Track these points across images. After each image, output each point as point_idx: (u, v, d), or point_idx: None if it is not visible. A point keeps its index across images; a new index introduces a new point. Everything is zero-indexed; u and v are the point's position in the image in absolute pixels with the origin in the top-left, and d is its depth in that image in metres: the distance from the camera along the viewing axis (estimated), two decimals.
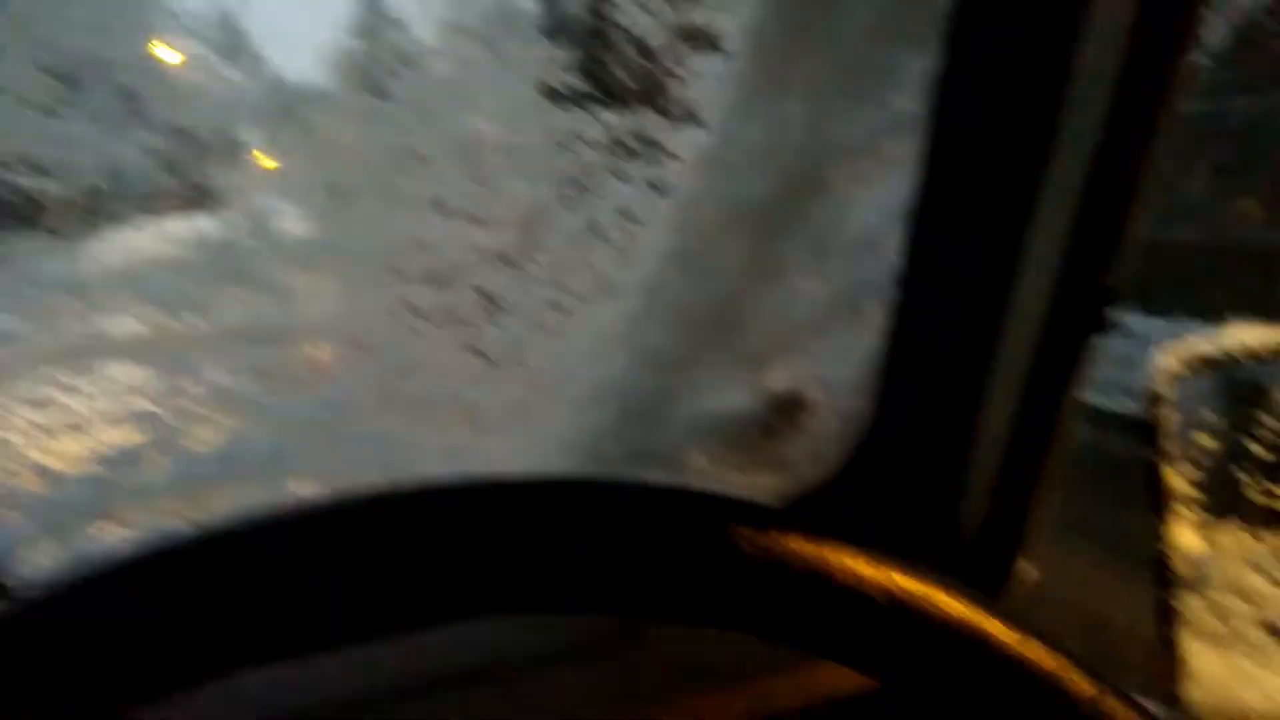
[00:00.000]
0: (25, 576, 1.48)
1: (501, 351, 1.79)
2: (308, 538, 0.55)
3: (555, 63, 1.88)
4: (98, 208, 1.77)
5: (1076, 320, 1.27)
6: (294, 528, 0.56)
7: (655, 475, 1.36)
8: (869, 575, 0.59)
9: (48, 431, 1.67)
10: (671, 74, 1.70)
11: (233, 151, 1.90)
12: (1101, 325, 1.23)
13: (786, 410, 1.36)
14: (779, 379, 1.37)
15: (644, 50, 1.90)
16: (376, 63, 1.88)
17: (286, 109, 1.84)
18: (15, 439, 1.64)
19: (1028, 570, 1.29)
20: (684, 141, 1.66)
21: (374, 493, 0.58)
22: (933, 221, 1.29)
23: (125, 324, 1.76)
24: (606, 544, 0.59)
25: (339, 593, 0.55)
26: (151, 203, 1.83)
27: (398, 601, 0.57)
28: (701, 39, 1.66)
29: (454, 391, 1.78)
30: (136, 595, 0.52)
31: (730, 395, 1.35)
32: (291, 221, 1.84)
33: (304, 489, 1.76)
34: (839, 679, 1.04)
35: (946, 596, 0.61)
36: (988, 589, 1.33)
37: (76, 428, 1.66)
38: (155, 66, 1.84)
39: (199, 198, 1.86)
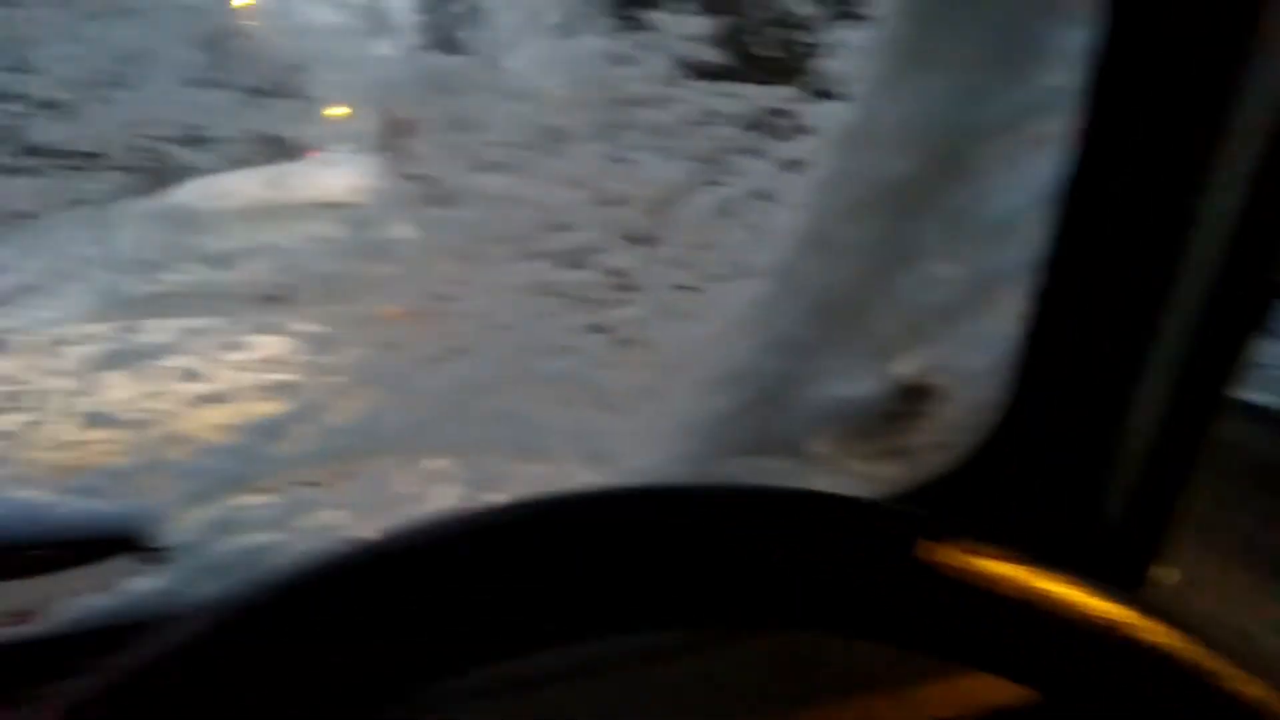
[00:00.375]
0: (172, 543, 1.59)
1: (630, 332, 1.84)
2: (517, 539, 0.59)
3: (696, 36, 1.90)
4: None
5: (1237, 315, 1.23)
6: (506, 529, 0.59)
7: (779, 461, 1.38)
8: (1029, 586, 0.59)
9: (193, 401, 1.79)
10: (816, 46, 1.70)
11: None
12: (1262, 321, 1.19)
13: (914, 398, 1.36)
14: (908, 366, 1.37)
15: (789, 21, 1.90)
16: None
17: (427, 83, 1.90)
18: (162, 407, 1.76)
19: (1168, 573, 1.27)
20: (824, 117, 1.67)
21: (570, 497, 0.61)
22: (1085, 205, 1.26)
23: (265, 296, 1.87)
24: (782, 556, 0.60)
25: (537, 596, 0.58)
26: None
27: (592, 608, 0.59)
28: (848, 9, 1.65)
29: (583, 371, 1.83)
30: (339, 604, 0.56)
31: (858, 382, 1.36)
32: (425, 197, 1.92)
33: (439, 464, 1.84)
34: (997, 689, 1.03)
35: (1110, 605, 0.60)
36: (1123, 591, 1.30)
37: (219, 398, 1.78)
38: (299, 38, 1.92)
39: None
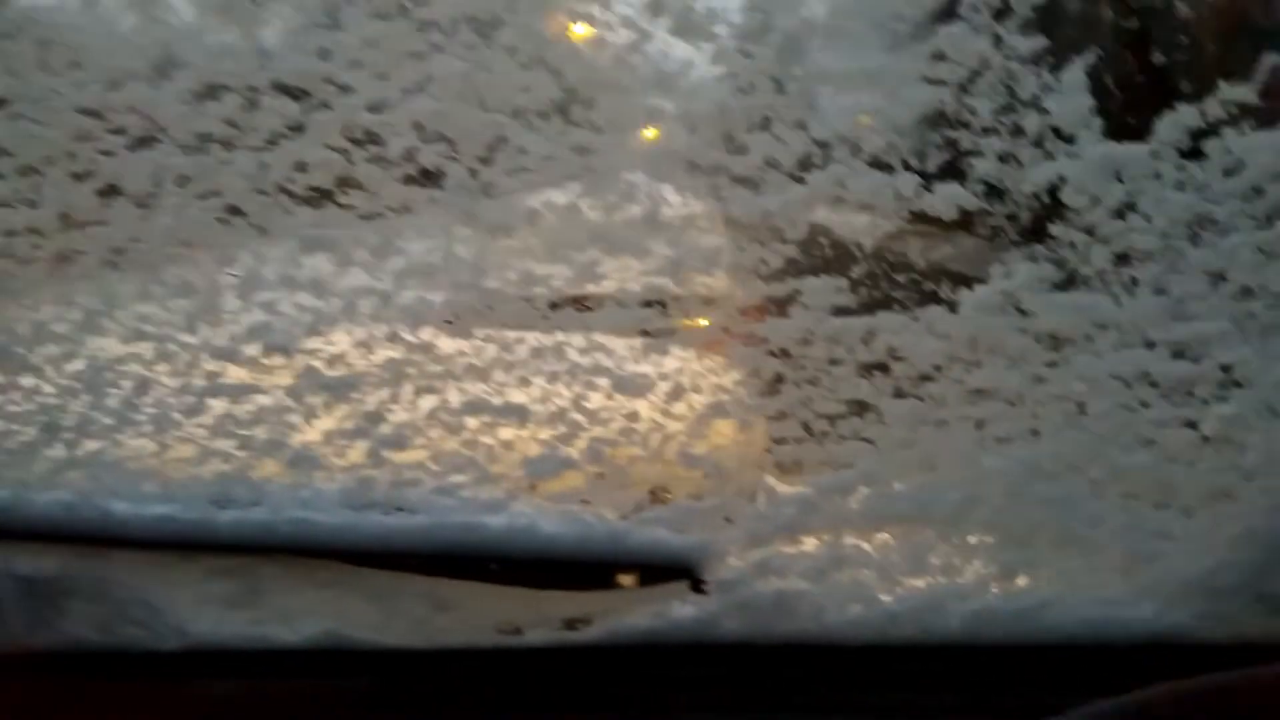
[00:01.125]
0: (717, 578, 1.79)
1: (1220, 430, 1.76)
2: None
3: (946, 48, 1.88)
4: (493, 179, 2.07)
5: None
6: None
7: None
8: None
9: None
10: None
11: (622, 125, 2.09)
12: None
13: None
14: None
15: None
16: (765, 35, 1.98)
17: (669, 86, 2.02)
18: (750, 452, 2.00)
19: None
20: None
21: None
22: None
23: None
24: None
25: None
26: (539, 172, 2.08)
27: None
28: None
29: (1157, 467, 1.79)
30: None
31: None
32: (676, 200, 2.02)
33: (977, 541, 1.88)
34: None
35: None
36: None
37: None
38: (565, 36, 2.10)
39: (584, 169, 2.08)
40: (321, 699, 1.79)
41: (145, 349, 2.06)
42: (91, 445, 1.96)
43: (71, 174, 2.00)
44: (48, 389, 2.02)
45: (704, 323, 2.05)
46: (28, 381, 2.01)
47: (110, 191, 2.04)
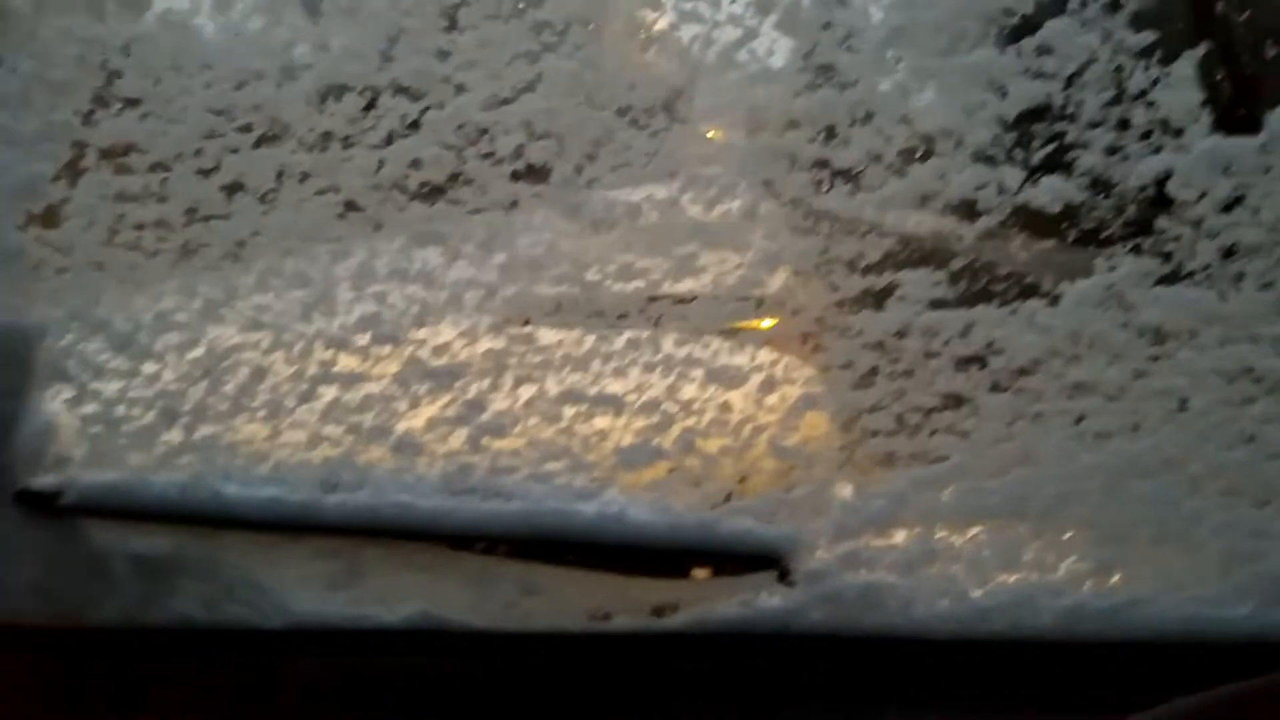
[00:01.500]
0: (804, 569, 1.84)
1: None
2: None
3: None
4: (596, 175, 2.12)
5: None
6: None
7: None
8: None
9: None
10: None
11: (724, 121, 2.12)
12: None
13: None
14: None
15: None
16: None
17: (771, 81, 2.05)
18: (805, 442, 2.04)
19: None
20: None
21: None
22: None
23: None
24: None
25: None
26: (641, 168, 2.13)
27: None
28: None
29: (1258, 463, 1.77)
30: None
31: None
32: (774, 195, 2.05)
33: (1072, 538, 1.89)
34: None
35: None
36: None
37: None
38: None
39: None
40: (415, 678, 1.89)
41: (262, 338, 2.18)
42: (207, 429, 2.08)
43: (198, 170, 2.14)
44: (168, 375, 2.14)
45: (798, 316, 2.11)
46: (150, 368, 2.15)
47: (234, 187, 2.19)
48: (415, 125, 2.20)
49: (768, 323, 2.15)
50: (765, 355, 2.12)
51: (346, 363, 2.15)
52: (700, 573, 1.92)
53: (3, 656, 1.82)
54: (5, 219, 2.04)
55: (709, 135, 2.16)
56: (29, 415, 1.98)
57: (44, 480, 1.96)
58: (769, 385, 2.04)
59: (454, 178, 2.23)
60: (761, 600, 1.85)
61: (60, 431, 2.04)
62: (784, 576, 1.86)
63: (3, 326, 1.97)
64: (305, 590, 1.94)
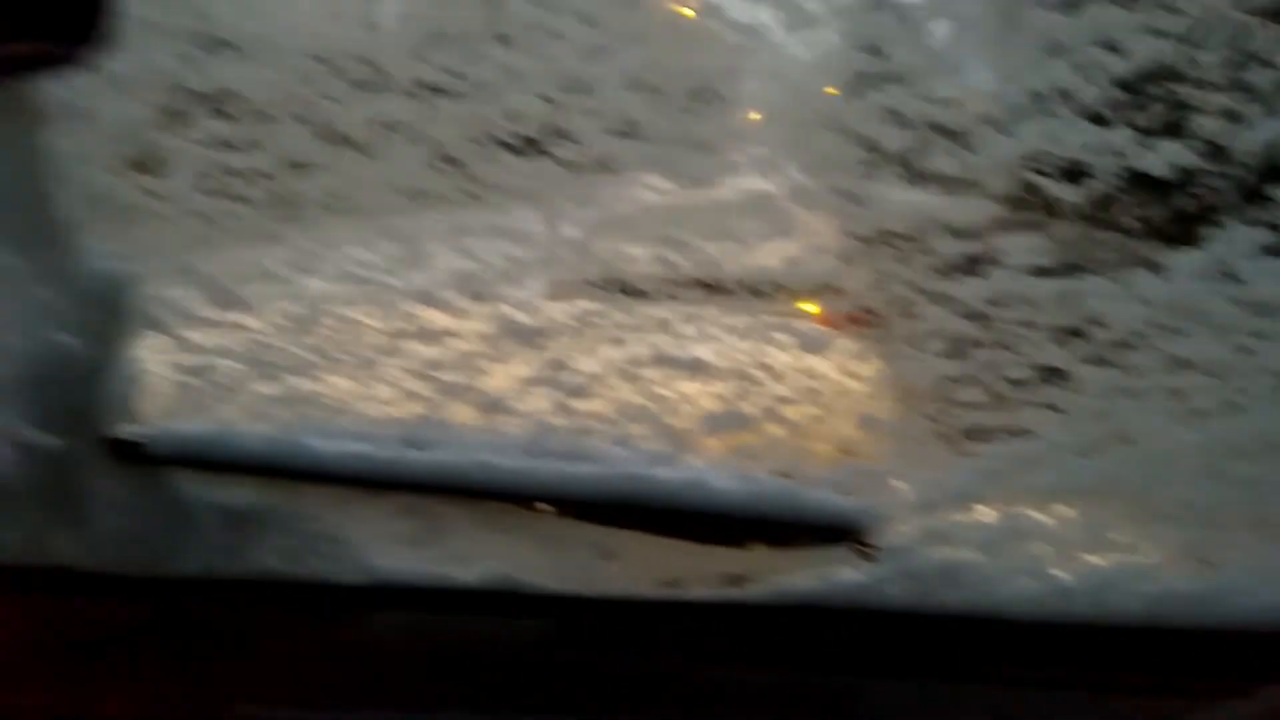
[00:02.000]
0: (885, 544, 1.85)
1: None
2: None
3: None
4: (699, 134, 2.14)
5: None
6: None
7: None
8: None
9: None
10: None
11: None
12: None
13: None
14: None
15: None
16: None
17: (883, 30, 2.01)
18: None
19: None
20: None
21: None
22: None
23: None
24: None
25: None
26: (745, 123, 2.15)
27: None
28: None
29: None
30: None
31: None
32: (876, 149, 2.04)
33: (1164, 518, 1.87)
34: None
35: None
36: None
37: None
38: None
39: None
40: (489, 638, 1.94)
41: (353, 291, 2.28)
42: (295, 382, 2.15)
43: (296, 117, 2.23)
44: (259, 326, 2.24)
45: (891, 283, 2.11)
46: (242, 319, 2.24)
47: (333, 137, 2.26)
48: (515, 75, 2.24)
49: (859, 290, 2.15)
50: (855, 323, 2.13)
51: (435, 318, 2.22)
52: (779, 542, 1.94)
53: (91, 603, 1.93)
54: (103, 163, 2.14)
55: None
56: (120, 363, 2.04)
57: (133, 429, 2.03)
58: (858, 354, 2.05)
59: (553, 131, 2.27)
60: (839, 573, 1.85)
61: (151, 380, 2.13)
62: (864, 550, 1.88)
63: (98, 272, 2.05)
64: (385, 546, 2.00)
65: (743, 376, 2.04)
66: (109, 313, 2.01)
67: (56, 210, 1.95)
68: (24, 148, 1.87)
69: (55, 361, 1.94)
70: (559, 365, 2.09)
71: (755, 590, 1.88)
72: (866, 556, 1.87)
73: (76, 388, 1.97)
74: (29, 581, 1.93)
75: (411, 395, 2.11)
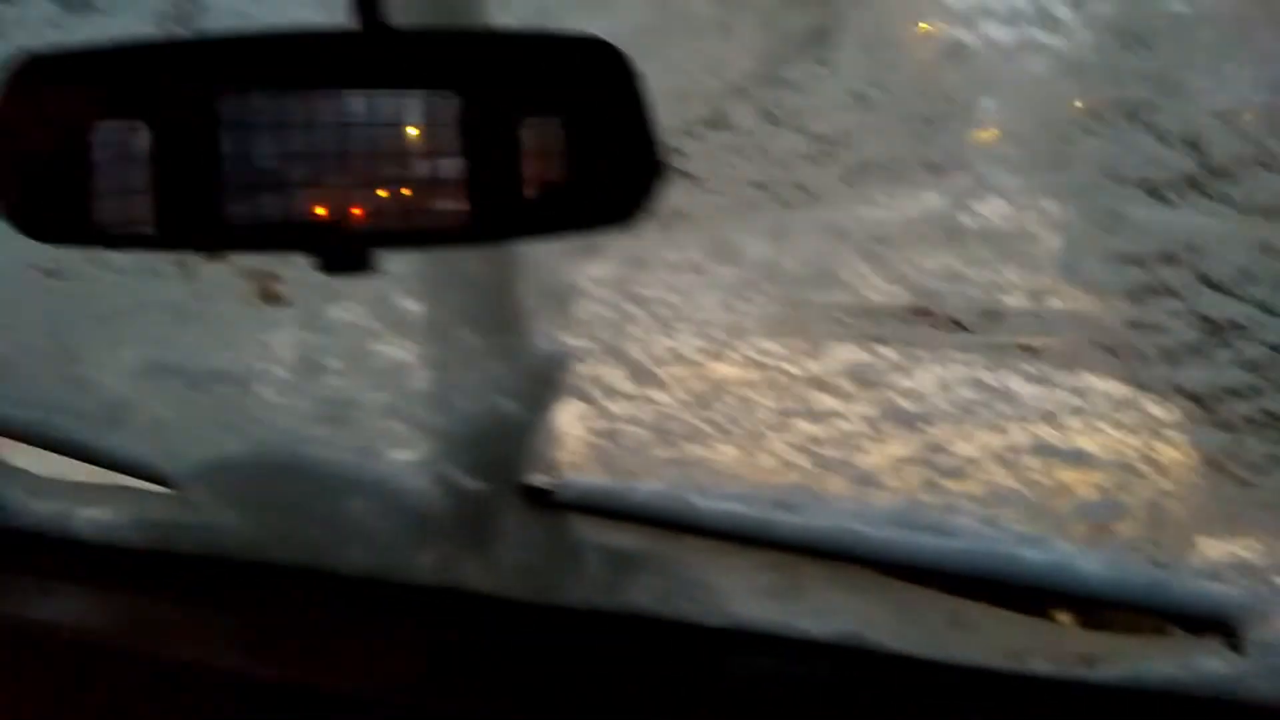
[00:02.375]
0: (1256, 638, 1.73)
1: None
2: None
3: None
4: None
5: None
6: None
7: None
8: None
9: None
10: None
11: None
12: None
13: None
14: None
15: None
16: None
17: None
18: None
19: None
20: None
21: None
22: None
23: None
24: None
25: None
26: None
27: None
28: None
29: None
30: None
31: None
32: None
33: None
34: None
35: None
36: None
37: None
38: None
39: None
40: (837, 689, 1.99)
41: (757, 376, 2.44)
42: (689, 448, 2.32)
43: None
44: (667, 400, 2.46)
45: None
46: (654, 394, 2.48)
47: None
48: None
49: None
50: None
51: (826, 401, 2.34)
52: (1141, 629, 1.87)
53: (483, 633, 2.18)
54: (560, 260, 2.44)
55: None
56: (545, 425, 2.30)
57: (545, 478, 2.28)
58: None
59: None
60: (1202, 663, 1.77)
61: (568, 440, 2.37)
62: (1233, 642, 1.78)
63: (545, 353, 2.34)
64: (748, 596, 2.11)
65: (1125, 468, 2.00)
66: (545, 384, 2.27)
67: (516, 298, 2.26)
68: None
69: (493, 421, 2.23)
70: (935, 447, 2.14)
71: (1107, 671, 1.82)
72: (1235, 649, 1.77)
73: (506, 443, 2.25)
74: (434, 600, 2.20)
75: (790, 465, 2.22)
